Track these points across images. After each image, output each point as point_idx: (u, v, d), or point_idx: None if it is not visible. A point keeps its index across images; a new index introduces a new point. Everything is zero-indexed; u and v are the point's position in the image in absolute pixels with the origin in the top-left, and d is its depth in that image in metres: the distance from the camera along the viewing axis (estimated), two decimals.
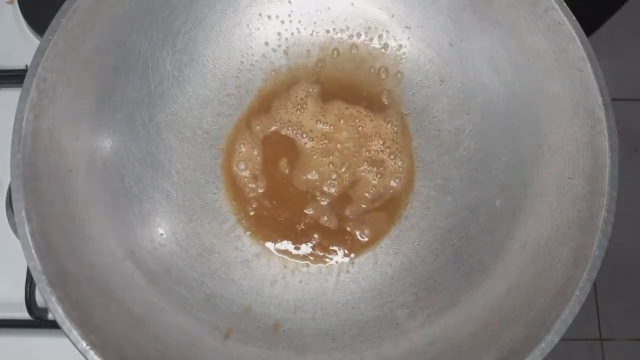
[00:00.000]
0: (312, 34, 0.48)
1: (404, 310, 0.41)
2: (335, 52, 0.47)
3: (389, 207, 0.45)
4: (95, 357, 0.33)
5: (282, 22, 0.48)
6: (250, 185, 0.45)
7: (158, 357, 0.37)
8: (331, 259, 0.44)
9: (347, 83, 0.47)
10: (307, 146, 0.46)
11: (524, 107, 0.41)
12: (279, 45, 0.48)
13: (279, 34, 0.48)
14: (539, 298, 0.35)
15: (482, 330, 0.38)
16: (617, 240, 0.36)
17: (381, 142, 0.46)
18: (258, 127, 0.46)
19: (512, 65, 0.42)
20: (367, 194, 0.45)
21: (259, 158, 0.46)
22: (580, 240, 0.35)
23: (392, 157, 0.45)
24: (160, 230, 0.43)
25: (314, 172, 0.45)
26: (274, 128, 0.46)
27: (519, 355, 0.32)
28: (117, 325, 0.37)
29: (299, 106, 0.46)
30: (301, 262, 0.44)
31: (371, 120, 0.46)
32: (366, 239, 0.44)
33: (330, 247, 0.44)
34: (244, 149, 0.46)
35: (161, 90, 0.45)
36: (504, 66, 0.43)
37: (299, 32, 0.48)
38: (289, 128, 0.46)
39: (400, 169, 0.45)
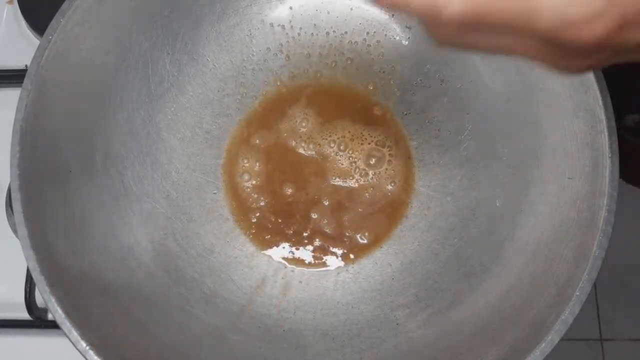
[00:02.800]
0: (312, 35, 0.48)
1: (404, 310, 0.41)
2: (333, 63, 0.47)
3: (387, 210, 0.44)
4: (95, 357, 0.33)
5: (282, 24, 0.48)
6: (253, 195, 0.45)
7: (158, 357, 0.37)
8: (331, 261, 0.44)
9: (343, 93, 0.47)
10: (305, 158, 0.46)
11: (524, 107, 0.41)
12: (280, 47, 0.48)
13: (278, 35, 0.48)
14: (539, 298, 0.35)
15: (482, 330, 0.38)
16: (617, 240, 0.36)
17: (375, 150, 0.45)
18: (258, 142, 0.46)
19: (512, 65, 0.42)
20: (364, 199, 0.45)
21: (258, 169, 0.46)
22: (581, 240, 0.35)
23: (387, 162, 0.45)
24: (160, 230, 0.43)
25: (313, 181, 0.45)
26: (274, 141, 0.46)
27: (519, 355, 0.32)
28: (116, 326, 0.37)
29: (298, 122, 0.46)
30: (301, 266, 0.44)
31: (366, 129, 0.46)
32: (366, 241, 0.44)
33: (331, 250, 0.44)
34: (246, 163, 0.46)
35: (161, 90, 0.45)
36: (504, 66, 0.43)
37: (299, 35, 0.48)
38: (289, 142, 0.46)
39: (393, 171, 0.45)
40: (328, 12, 0.48)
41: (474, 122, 0.45)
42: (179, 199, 0.45)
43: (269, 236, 0.44)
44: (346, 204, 0.45)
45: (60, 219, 0.37)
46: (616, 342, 0.93)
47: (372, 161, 0.45)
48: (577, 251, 0.35)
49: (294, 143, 0.46)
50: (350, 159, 0.45)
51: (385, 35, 0.47)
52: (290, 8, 0.47)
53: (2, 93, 0.49)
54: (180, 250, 0.43)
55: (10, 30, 0.52)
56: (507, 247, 0.40)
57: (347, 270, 0.44)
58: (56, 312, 0.33)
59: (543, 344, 0.32)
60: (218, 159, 0.46)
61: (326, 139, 0.46)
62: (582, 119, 0.37)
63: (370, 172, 0.45)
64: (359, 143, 0.46)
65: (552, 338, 0.32)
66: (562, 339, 0.32)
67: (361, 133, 0.46)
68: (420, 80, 0.47)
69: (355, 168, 0.45)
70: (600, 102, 0.35)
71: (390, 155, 0.45)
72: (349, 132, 0.46)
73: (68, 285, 0.35)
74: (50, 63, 0.37)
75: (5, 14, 0.52)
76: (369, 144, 0.46)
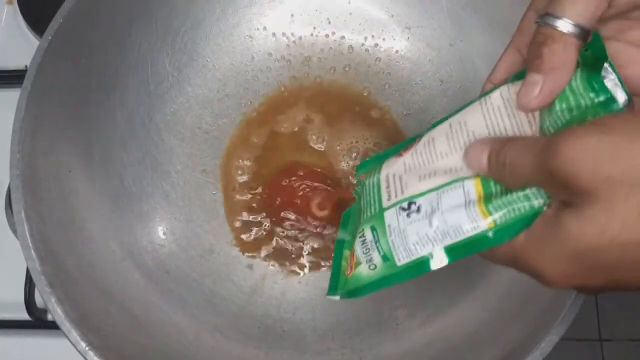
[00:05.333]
0: (311, 35, 0.48)
1: (403, 310, 0.41)
2: (332, 69, 0.47)
3: None
4: (95, 357, 0.33)
5: (282, 24, 0.48)
6: (250, 193, 0.45)
7: (158, 357, 0.37)
8: (329, 263, 0.44)
9: (343, 95, 0.47)
10: (303, 158, 0.46)
11: None
12: (280, 51, 0.48)
13: (279, 39, 0.48)
14: (538, 298, 0.35)
15: (482, 330, 0.38)
16: None
17: (371, 151, 0.45)
18: (256, 140, 0.46)
19: None
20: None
21: (256, 169, 0.46)
22: None
23: None
24: (160, 231, 0.43)
25: (311, 180, 0.45)
26: (273, 142, 0.46)
27: (519, 355, 0.32)
28: (116, 326, 0.37)
29: (298, 124, 0.46)
30: (299, 268, 0.44)
31: (365, 130, 0.46)
32: None
33: (327, 253, 0.44)
34: (247, 163, 0.46)
35: (161, 90, 0.45)
36: None
37: (300, 38, 0.48)
38: (288, 143, 0.46)
39: None
40: (327, 13, 0.48)
41: None
42: (178, 199, 0.45)
43: (266, 237, 0.44)
44: (344, 201, 0.44)
45: (60, 219, 0.37)
46: (615, 342, 0.93)
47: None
48: None
49: (293, 144, 0.46)
50: (349, 158, 0.45)
51: (385, 36, 0.47)
52: (292, 15, 0.47)
53: (2, 93, 0.49)
54: (180, 251, 0.43)
55: (9, 31, 0.51)
56: None
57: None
58: (56, 313, 0.33)
59: (543, 344, 0.32)
60: (217, 159, 0.46)
61: (325, 140, 0.46)
62: None
63: None
64: (357, 144, 0.46)
65: (551, 338, 0.32)
66: (561, 339, 0.32)
67: (362, 134, 0.46)
68: (420, 80, 0.47)
69: (354, 166, 0.45)
70: None
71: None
72: (349, 133, 0.46)
73: (68, 285, 0.35)
74: (49, 63, 0.37)
75: (5, 15, 0.52)
76: (365, 144, 0.46)
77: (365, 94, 0.47)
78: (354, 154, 0.45)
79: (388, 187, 0.29)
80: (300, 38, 0.48)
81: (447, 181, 0.26)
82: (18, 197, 0.35)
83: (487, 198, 0.25)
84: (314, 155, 0.46)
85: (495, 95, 0.27)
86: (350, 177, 0.45)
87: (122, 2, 0.41)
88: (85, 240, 0.39)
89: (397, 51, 0.47)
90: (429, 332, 0.39)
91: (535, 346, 0.32)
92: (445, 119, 0.29)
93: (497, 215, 0.24)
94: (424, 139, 0.29)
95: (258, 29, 0.47)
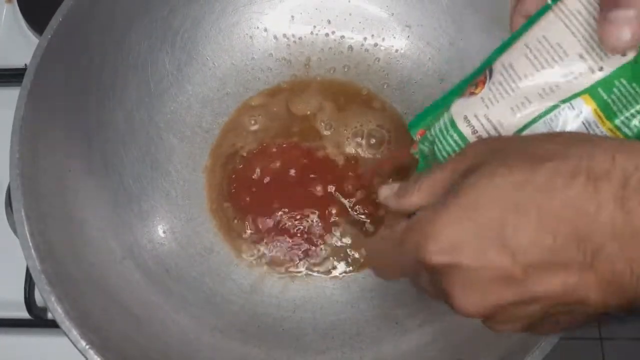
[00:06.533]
0: (311, 34, 0.48)
1: (403, 309, 0.41)
2: (332, 69, 0.47)
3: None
4: (95, 356, 0.33)
5: (282, 23, 0.48)
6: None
7: (158, 356, 0.37)
8: (334, 268, 0.43)
9: (343, 92, 0.47)
10: (306, 151, 0.45)
11: None
12: (279, 46, 0.48)
13: (279, 34, 0.48)
14: None
15: (482, 329, 0.37)
16: None
17: (375, 130, 0.45)
18: (257, 132, 0.46)
19: None
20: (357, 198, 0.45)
21: (255, 165, 0.46)
22: None
23: (387, 142, 0.45)
24: (160, 230, 0.43)
25: (312, 175, 0.45)
26: (273, 137, 0.46)
27: (519, 355, 0.32)
28: (116, 325, 0.37)
29: (299, 119, 0.46)
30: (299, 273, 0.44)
31: (368, 114, 0.46)
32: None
33: (331, 258, 0.44)
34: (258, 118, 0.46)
35: (160, 89, 0.45)
36: None
37: (299, 38, 0.48)
38: (290, 137, 0.46)
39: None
40: (327, 12, 0.48)
41: None
42: (179, 197, 0.45)
43: (264, 236, 0.44)
44: (350, 192, 0.44)
45: (60, 218, 0.37)
46: (616, 341, 0.93)
47: (373, 141, 0.45)
48: None
49: (294, 138, 0.46)
50: (355, 144, 0.45)
51: (385, 35, 0.47)
52: (292, 14, 0.47)
53: (1, 92, 0.49)
54: (180, 250, 0.43)
55: (9, 29, 0.51)
56: None
57: (347, 268, 0.44)
58: (56, 312, 0.33)
59: (543, 344, 0.32)
60: None
61: (327, 130, 0.46)
62: None
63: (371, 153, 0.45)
64: (362, 127, 0.45)
65: (551, 337, 0.32)
66: (561, 338, 0.32)
67: (365, 118, 0.46)
68: (420, 79, 0.47)
69: (358, 145, 0.45)
70: None
71: (389, 136, 0.45)
72: (350, 121, 0.46)
73: (68, 284, 0.35)
74: (49, 62, 0.37)
75: (4, 13, 0.52)
76: (369, 126, 0.45)
77: (364, 93, 0.47)
78: (359, 138, 0.45)
79: (475, 132, 0.25)
80: (300, 38, 0.48)
81: (549, 106, 0.23)
82: (18, 196, 0.35)
83: (607, 110, 0.22)
84: (316, 146, 0.45)
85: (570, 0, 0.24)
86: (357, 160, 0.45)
87: (122, 1, 0.41)
88: (85, 239, 0.39)
89: (397, 50, 0.47)
90: (429, 332, 0.39)
91: (535, 346, 0.32)
92: (507, 44, 0.26)
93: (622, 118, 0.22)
94: (498, 68, 0.26)
95: (258, 28, 0.47)
